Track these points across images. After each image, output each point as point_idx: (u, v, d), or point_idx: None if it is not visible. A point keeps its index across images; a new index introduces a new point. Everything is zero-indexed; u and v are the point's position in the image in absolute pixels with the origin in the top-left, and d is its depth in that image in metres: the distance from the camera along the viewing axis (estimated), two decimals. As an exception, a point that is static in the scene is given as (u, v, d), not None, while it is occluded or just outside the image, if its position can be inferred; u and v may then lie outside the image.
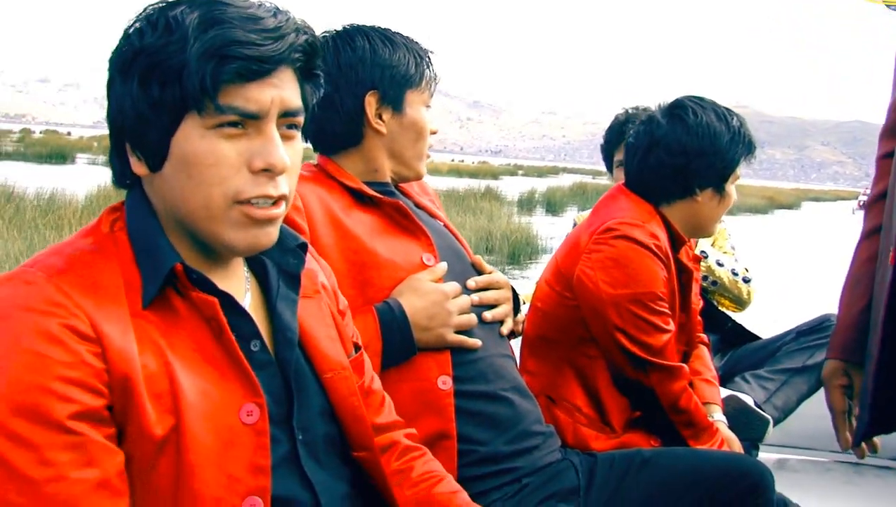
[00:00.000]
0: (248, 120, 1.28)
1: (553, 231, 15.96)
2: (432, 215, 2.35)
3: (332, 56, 2.14)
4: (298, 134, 1.38)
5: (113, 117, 1.31)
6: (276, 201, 1.32)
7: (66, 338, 1.16)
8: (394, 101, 2.18)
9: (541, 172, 78.04)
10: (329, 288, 1.64)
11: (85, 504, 1.14)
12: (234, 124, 1.27)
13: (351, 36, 2.17)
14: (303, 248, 1.52)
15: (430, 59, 2.25)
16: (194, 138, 1.26)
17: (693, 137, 2.54)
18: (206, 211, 1.29)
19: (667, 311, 2.49)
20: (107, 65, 1.32)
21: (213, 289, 1.32)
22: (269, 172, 1.29)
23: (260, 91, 1.27)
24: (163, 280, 1.27)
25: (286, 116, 1.32)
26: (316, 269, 1.63)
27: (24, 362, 1.13)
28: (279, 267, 1.50)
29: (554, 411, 2.56)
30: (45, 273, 1.21)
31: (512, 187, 29.65)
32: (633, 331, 2.44)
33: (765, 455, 3.78)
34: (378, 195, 2.15)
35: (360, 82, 2.15)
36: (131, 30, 1.28)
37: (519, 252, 14.45)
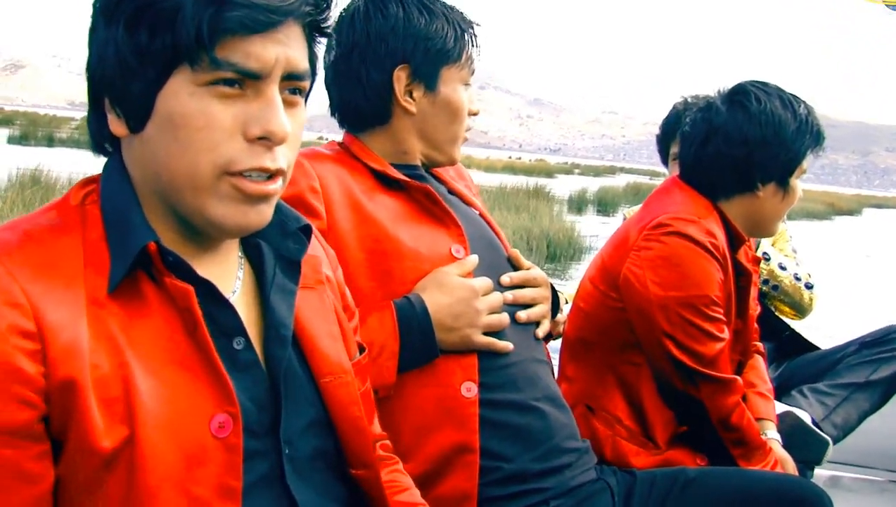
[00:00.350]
0: (248, 79, 1.11)
1: (602, 231, 15.55)
2: (467, 203, 2.16)
3: (362, 24, 1.96)
4: (302, 101, 1.21)
5: (92, 68, 1.15)
6: (272, 176, 1.15)
7: (2, 332, 1.01)
8: (427, 77, 1.98)
9: (597, 172, 77.34)
10: (334, 281, 1.46)
11: None
12: (230, 83, 1.10)
13: (384, 2, 1.97)
14: (306, 231, 1.33)
15: (473, 32, 2.06)
16: (183, 95, 1.10)
17: (756, 125, 2.33)
18: (190, 181, 1.12)
19: (721, 317, 2.30)
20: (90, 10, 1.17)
21: (190, 275, 1.15)
22: (268, 140, 1.12)
23: (263, 46, 1.10)
24: (132, 261, 1.10)
25: (290, 78, 1.15)
26: (321, 256, 1.44)
27: None
28: (277, 252, 1.31)
29: (592, 422, 2.38)
30: None
31: (565, 186, 29.12)
32: (683, 338, 2.24)
33: (817, 472, 3.57)
34: (405, 178, 1.96)
35: (389, 55, 1.95)
36: None
37: (559, 252, 14.12)
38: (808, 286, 3.74)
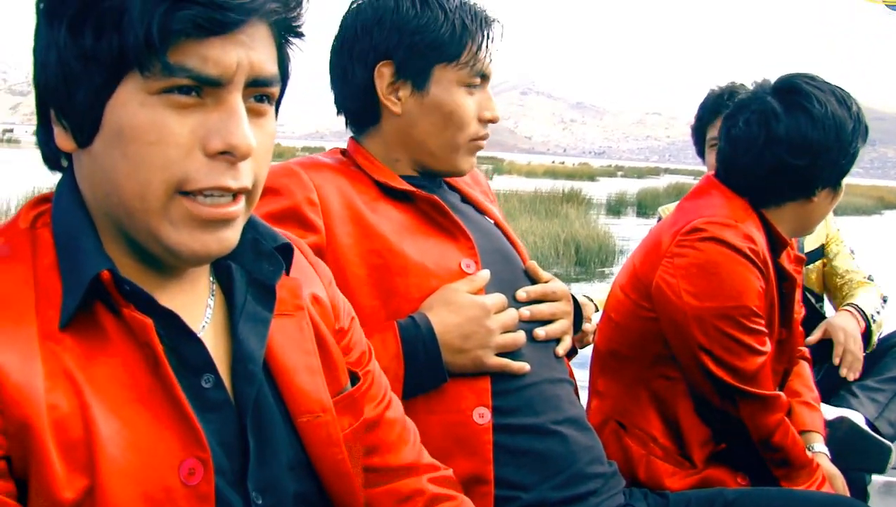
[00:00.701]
0: (206, 87, 0.99)
1: (637, 233, 15.22)
2: (482, 211, 2.02)
3: (353, 17, 1.84)
4: (272, 110, 1.09)
5: (36, 76, 1.03)
6: (235, 195, 1.03)
7: None
8: (414, 75, 1.83)
9: (641, 174, 76.50)
10: (325, 300, 1.33)
11: None
12: (185, 91, 0.98)
13: None
14: (284, 251, 1.21)
15: (482, 28, 1.87)
16: (133, 106, 0.98)
17: (819, 130, 2.16)
18: (140, 202, 1.00)
19: (762, 329, 2.14)
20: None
21: (150, 305, 1.03)
22: (231, 155, 1.00)
23: (223, 50, 0.99)
24: (84, 292, 0.99)
25: (256, 84, 1.03)
26: (306, 277, 1.31)
27: None
28: (250, 276, 1.18)
29: (625, 440, 2.25)
30: None
31: (606, 189, 28.64)
32: (721, 352, 2.09)
33: (873, 478, 3.42)
34: (411, 188, 1.83)
35: (373, 49, 1.82)
36: None
37: (589, 257, 13.77)
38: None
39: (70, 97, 1.00)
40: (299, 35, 1.11)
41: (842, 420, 2.84)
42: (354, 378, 1.33)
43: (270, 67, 1.05)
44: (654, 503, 1.96)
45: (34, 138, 1.11)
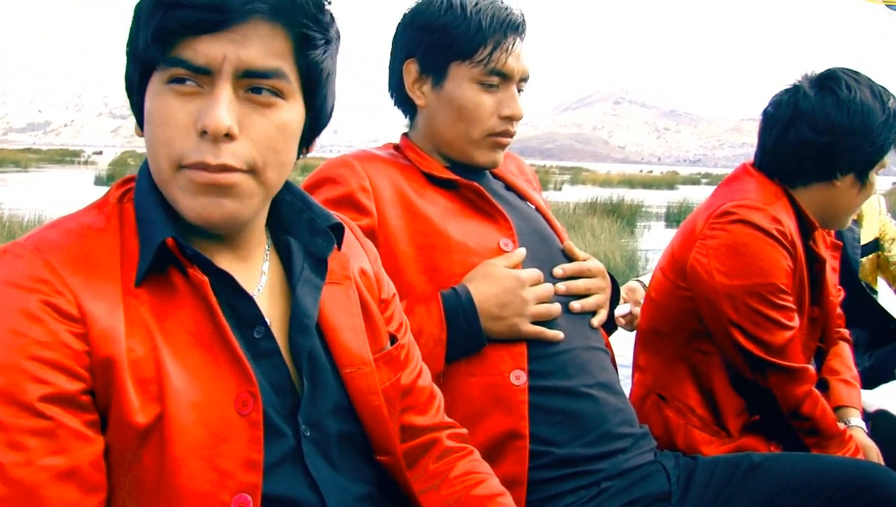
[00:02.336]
0: (202, 76, 1.16)
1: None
2: (525, 197, 2.17)
3: (400, 21, 2.05)
4: (281, 101, 1.21)
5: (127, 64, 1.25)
6: (224, 169, 1.18)
7: (46, 317, 1.09)
8: (434, 71, 2.00)
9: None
10: (371, 274, 1.52)
11: (49, 493, 1.06)
12: (182, 80, 1.17)
13: None
14: (336, 229, 1.40)
15: (502, 29, 1.98)
16: (152, 94, 1.19)
17: (843, 113, 2.27)
18: (158, 174, 1.21)
19: (790, 305, 2.24)
20: None
21: (208, 267, 1.22)
22: (207, 134, 1.16)
23: (210, 44, 1.14)
24: (152, 256, 1.19)
25: (250, 76, 1.17)
26: (355, 253, 1.51)
27: (1, 340, 1.08)
28: (306, 249, 1.39)
29: (665, 411, 2.37)
30: (34, 247, 1.15)
31: (674, 197, 27.29)
32: (751, 327, 2.20)
33: None
34: (454, 177, 2.01)
35: (404, 47, 2.02)
36: None
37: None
38: None
39: (128, 92, 1.23)
40: (320, 35, 1.23)
41: (882, 413, 2.83)
42: (393, 340, 1.51)
43: (263, 61, 1.17)
44: (683, 463, 2.03)
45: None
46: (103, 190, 1.30)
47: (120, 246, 1.20)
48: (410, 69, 2.01)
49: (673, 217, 22.54)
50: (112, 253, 1.19)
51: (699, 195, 29.55)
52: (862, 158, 2.30)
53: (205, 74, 1.16)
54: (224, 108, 1.15)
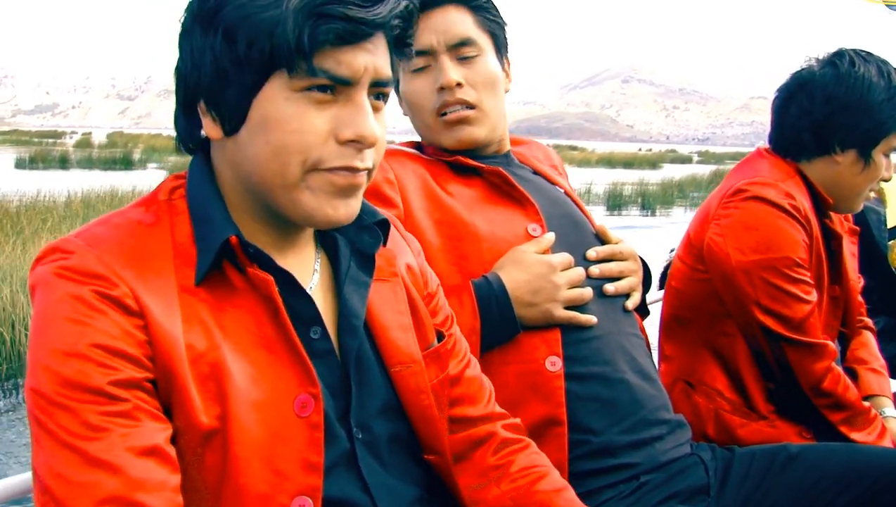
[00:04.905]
0: (339, 86, 1.18)
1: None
2: (552, 183, 2.16)
3: None
4: (385, 106, 1.28)
5: (185, 73, 1.21)
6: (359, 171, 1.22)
7: (105, 307, 1.09)
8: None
9: (719, 159, 69.98)
10: (416, 268, 1.51)
11: (138, 473, 1.05)
12: (323, 89, 1.17)
13: None
14: (382, 225, 1.38)
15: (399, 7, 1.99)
16: (279, 101, 1.16)
17: (841, 86, 2.27)
18: (281, 179, 1.18)
19: (807, 279, 2.23)
20: (184, 10, 1.22)
21: (271, 265, 1.21)
22: (359, 143, 1.19)
23: (354, 56, 1.17)
24: (215, 254, 1.17)
25: (376, 85, 1.22)
26: (399, 248, 1.49)
27: (62, 331, 1.07)
28: (352, 246, 1.37)
29: (693, 397, 2.36)
30: (85, 242, 1.14)
31: (645, 177, 26.31)
32: (768, 302, 2.20)
33: None
34: (478, 164, 2.00)
35: None
36: None
37: None
38: None
39: (222, 94, 1.18)
40: (409, 45, 1.29)
41: None
42: (440, 336, 1.49)
43: (388, 71, 1.23)
44: (720, 455, 2.01)
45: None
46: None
47: (172, 243, 1.19)
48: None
49: (614, 201, 22.15)
50: (164, 249, 1.18)
51: (670, 174, 28.21)
52: (860, 134, 2.29)
53: (343, 84, 1.18)
54: (372, 118, 1.20)
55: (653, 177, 26.86)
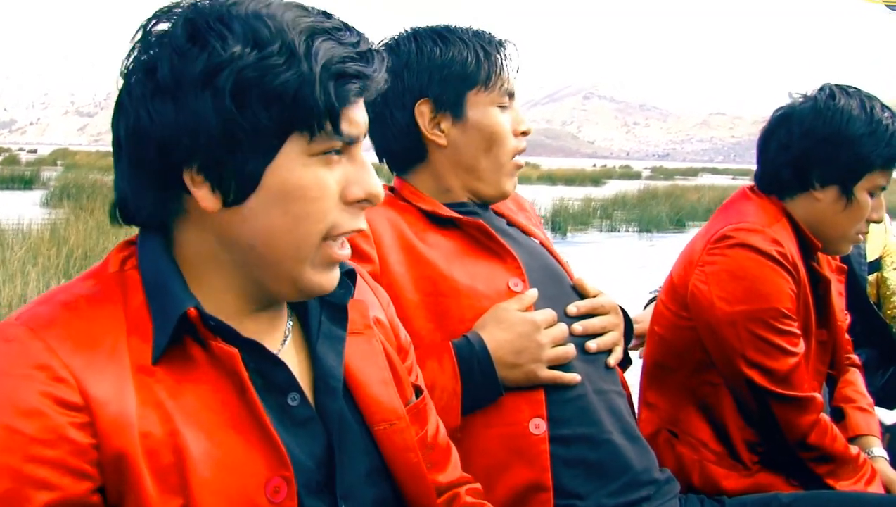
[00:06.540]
0: (346, 145, 1.12)
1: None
2: (527, 233, 2.10)
3: None
4: None
5: (165, 138, 1.07)
6: None
7: (46, 408, 0.99)
8: (452, 105, 1.93)
9: (668, 175, 67.15)
10: (385, 322, 1.43)
11: None
12: (337, 151, 1.12)
13: (397, 42, 1.96)
14: (350, 275, 1.30)
15: (501, 51, 1.97)
16: (296, 167, 1.09)
17: (819, 119, 2.21)
18: (296, 251, 1.12)
19: (794, 330, 2.17)
20: (149, 68, 1.08)
21: (235, 337, 1.12)
22: (368, 202, 1.16)
23: (359, 113, 1.15)
24: (173, 328, 1.08)
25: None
26: (369, 300, 1.41)
27: None
28: (321, 299, 1.27)
29: (677, 447, 2.29)
30: (28, 327, 1.04)
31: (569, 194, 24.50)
32: (753, 354, 2.13)
33: None
34: (457, 215, 1.92)
35: (407, 91, 1.93)
36: (206, 36, 1.06)
37: None
38: None
39: (231, 161, 1.07)
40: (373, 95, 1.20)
41: None
42: (418, 392, 1.43)
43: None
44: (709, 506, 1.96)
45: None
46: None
47: (125, 319, 1.09)
48: (423, 111, 1.93)
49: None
50: (116, 327, 1.08)
51: (612, 191, 27.27)
52: (841, 169, 2.22)
53: (350, 143, 1.13)
54: (375, 174, 1.17)
55: (596, 194, 26.09)
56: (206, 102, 1.05)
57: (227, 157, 1.07)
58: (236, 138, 1.06)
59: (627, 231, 20.42)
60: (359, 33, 1.14)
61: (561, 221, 20.13)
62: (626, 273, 11.46)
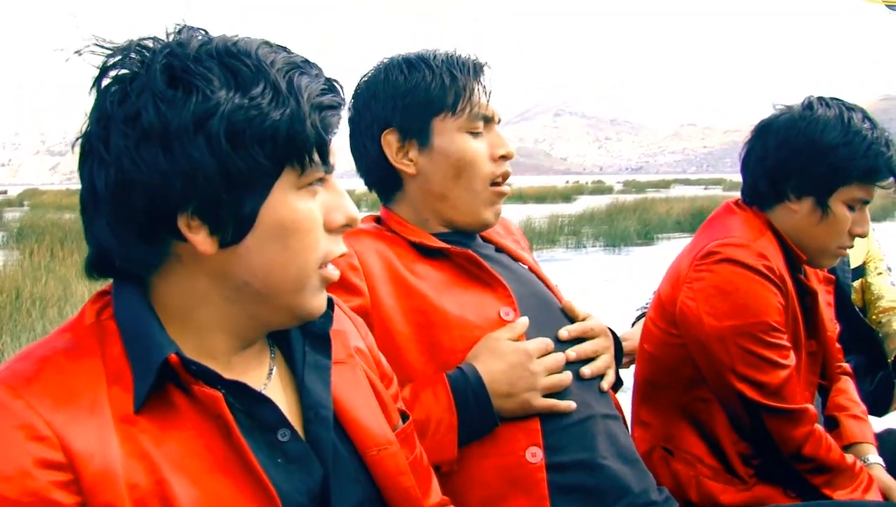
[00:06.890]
0: (325, 175, 1.15)
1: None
2: (516, 259, 2.07)
3: (355, 99, 1.96)
4: None
5: (156, 184, 1.04)
6: None
7: (30, 469, 0.97)
8: (417, 133, 1.90)
9: (640, 188, 65.84)
10: (366, 350, 1.42)
11: None
12: (319, 180, 1.14)
13: (372, 72, 1.96)
14: (329, 304, 1.27)
15: (471, 75, 1.93)
16: (289, 201, 1.11)
17: (793, 129, 2.20)
18: (295, 283, 1.13)
19: (783, 343, 2.17)
20: (130, 116, 1.05)
21: (217, 379, 1.11)
22: (349, 226, 1.19)
23: (331, 142, 1.15)
24: (155, 376, 1.06)
25: None
26: (348, 329, 1.41)
27: None
28: (303, 329, 1.27)
29: (673, 464, 2.29)
30: (8, 386, 1.02)
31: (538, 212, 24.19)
32: (744, 369, 2.12)
33: None
34: (445, 245, 1.90)
35: (374, 121, 1.91)
36: (189, 80, 1.05)
37: None
38: None
39: (230, 202, 1.07)
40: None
41: (890, 432, 2.77)
42: (405, 417, 1.42)
43: None
44: None
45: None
46: None
47: (104, 370, 1.07)
48: (390, 140, 1.91)
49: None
50: (95, 379, 1.06)
51: (581, 207, 26.98)
52: (815, 180, 2.20)
53: (329, 172, 1.16)
54: (350, 198, 1.20)
55: (565, 210, 25.57)
56: (200, 146, 1.04)
57: (225, 197, 1.06)
58: (233, 179, 1.06)
59: (594, 246, 20.24)
60: (316, 65, 1.15)
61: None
62: (592, 287, 11.54)
